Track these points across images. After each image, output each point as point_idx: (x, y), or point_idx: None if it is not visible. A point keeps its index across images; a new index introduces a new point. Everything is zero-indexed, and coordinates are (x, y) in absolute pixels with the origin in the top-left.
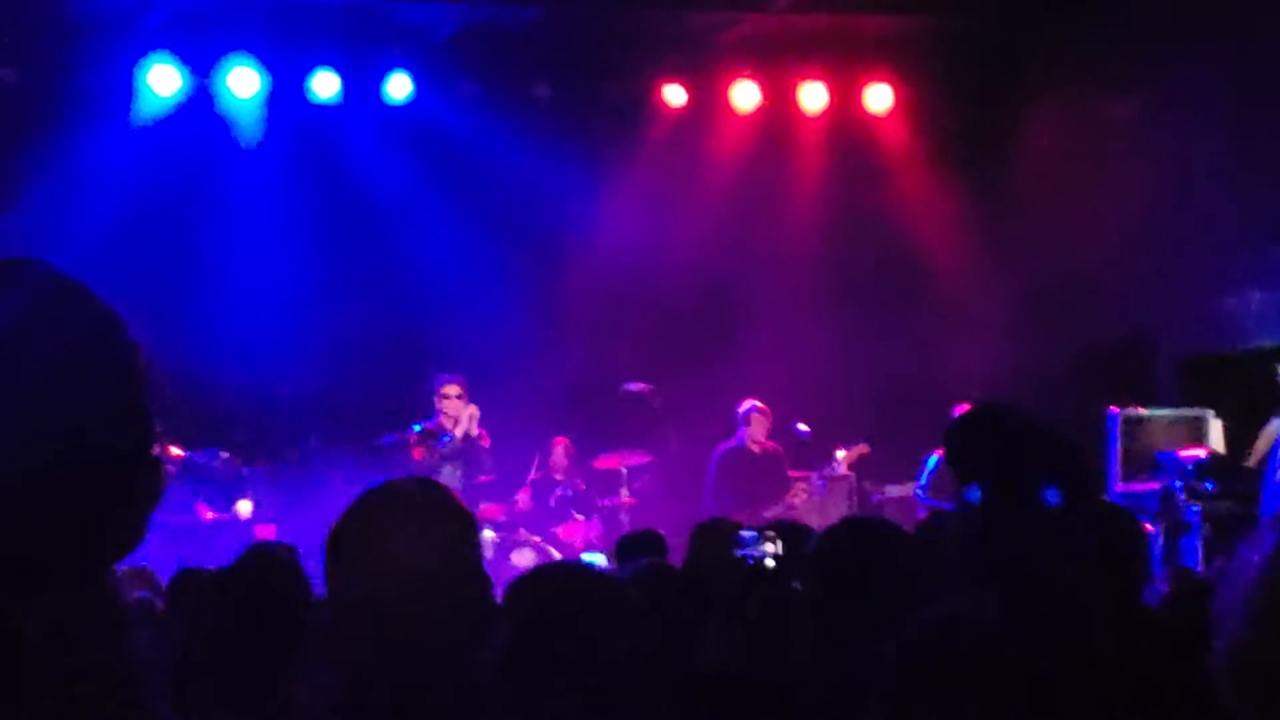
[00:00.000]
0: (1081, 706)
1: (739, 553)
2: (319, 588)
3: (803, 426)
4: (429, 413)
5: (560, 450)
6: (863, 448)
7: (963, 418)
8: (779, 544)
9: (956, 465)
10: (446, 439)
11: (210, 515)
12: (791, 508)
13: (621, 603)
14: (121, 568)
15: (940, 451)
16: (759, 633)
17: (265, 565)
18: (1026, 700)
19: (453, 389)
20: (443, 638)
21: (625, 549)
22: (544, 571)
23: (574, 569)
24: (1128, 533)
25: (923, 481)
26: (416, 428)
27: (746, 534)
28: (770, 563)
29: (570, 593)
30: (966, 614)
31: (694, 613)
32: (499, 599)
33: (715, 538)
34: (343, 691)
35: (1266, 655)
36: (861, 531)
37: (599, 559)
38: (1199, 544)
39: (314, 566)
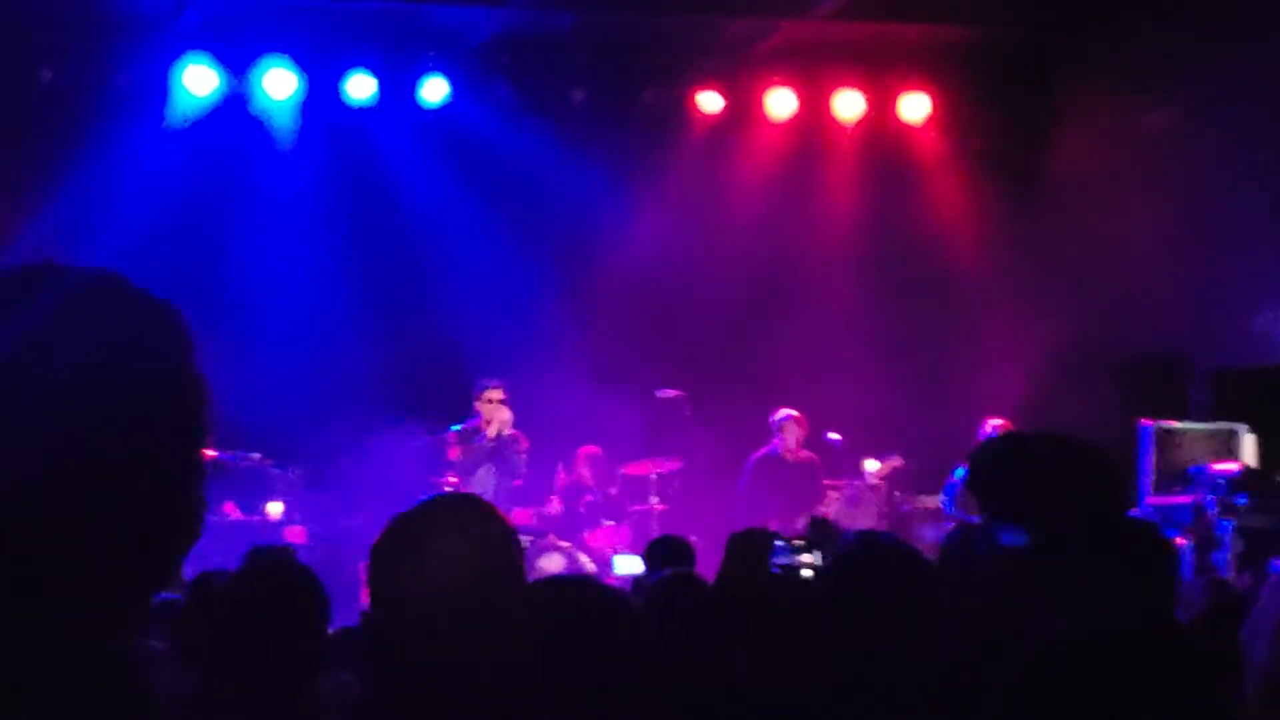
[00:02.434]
0: None
1: (775, 561)
2: (329, 591)
3: (834, 435)
4: (465, 415)
5: (586, 459)
6: (897, 461)
7: (981, 454)
8: (817, 555)
9: (979, 497)
10: (481, 439)
11: (240, 516)
12: (827, 516)
13: (625, 619)
14: None
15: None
16: (782, 645)
17: (269, 570)
18: None
19: (495, 393)
20: (484, 650)
21: (653, 555)
22: (548, 587)
23: (579, 584)
24: (1158, 551)
25: (949, 495)
26: (455, 428)
27: (782, 544)
28: (807, 573)
29: (575, 609)
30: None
31: (725, 623)
32: None
33: (751, 547)
34: (370, 694)
35: None
36: (873, 549)
37: (634, 560)
38: (1230, 558)
39: (347, 569)
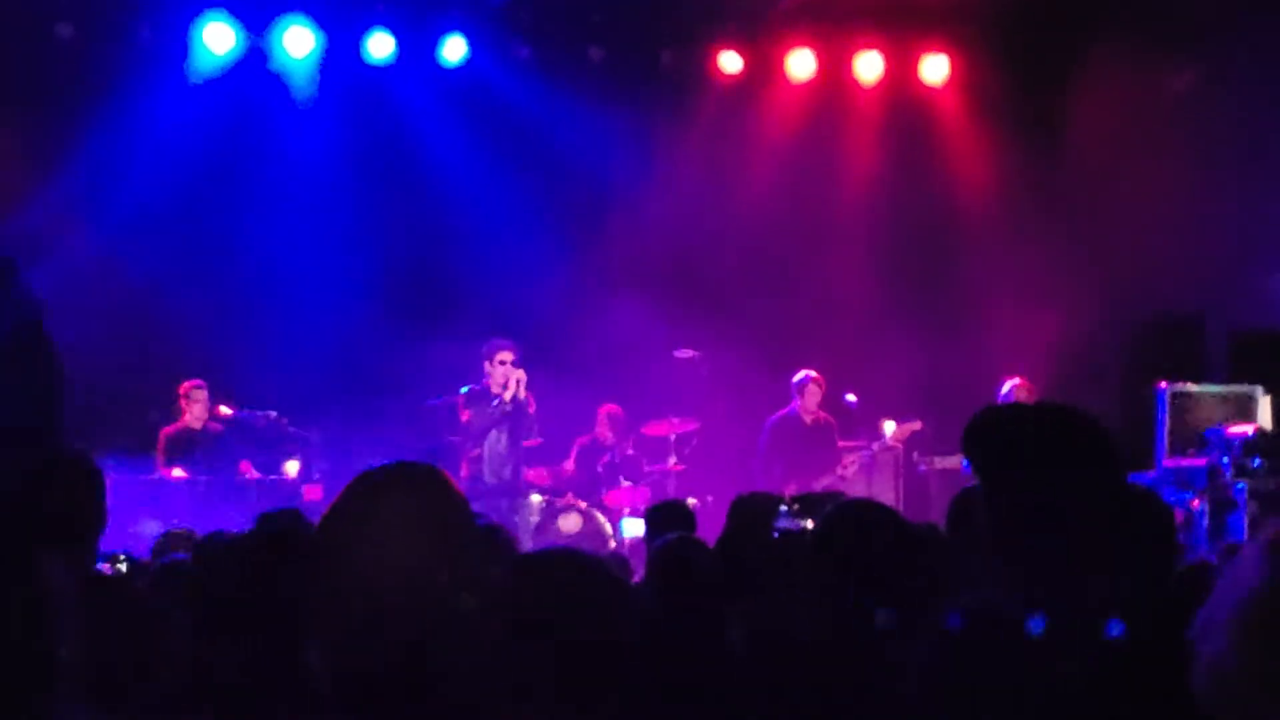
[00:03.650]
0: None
1: (777, 525)
2: None
3: (851, 397)
4: (477, 376)
5: (607, 417)
6: (916, 424)
7: (974, 425)
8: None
9: (973, 464)
10: (494, 402)
11: (256, 475)
12: (843, 478)
13: (613, 592)
14: (165, 530)
15: None
16: (781, 610)
17: (275, 534)
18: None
19: (507, 354)
20: (426, 624)
21: (655, 520)
22: (537, 560)
23: (568, 557)
24: (1156, 519)
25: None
26: (464, 390)
27: (785, 508)
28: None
29: (562, 582)
30: (994, 606)
31: (728, 587)
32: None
33: (753, 511)
34: (329, 667)
35: (1246, 676)
36: (857, 515)
37: (642, 524)
38: (1245, 521)
39: None
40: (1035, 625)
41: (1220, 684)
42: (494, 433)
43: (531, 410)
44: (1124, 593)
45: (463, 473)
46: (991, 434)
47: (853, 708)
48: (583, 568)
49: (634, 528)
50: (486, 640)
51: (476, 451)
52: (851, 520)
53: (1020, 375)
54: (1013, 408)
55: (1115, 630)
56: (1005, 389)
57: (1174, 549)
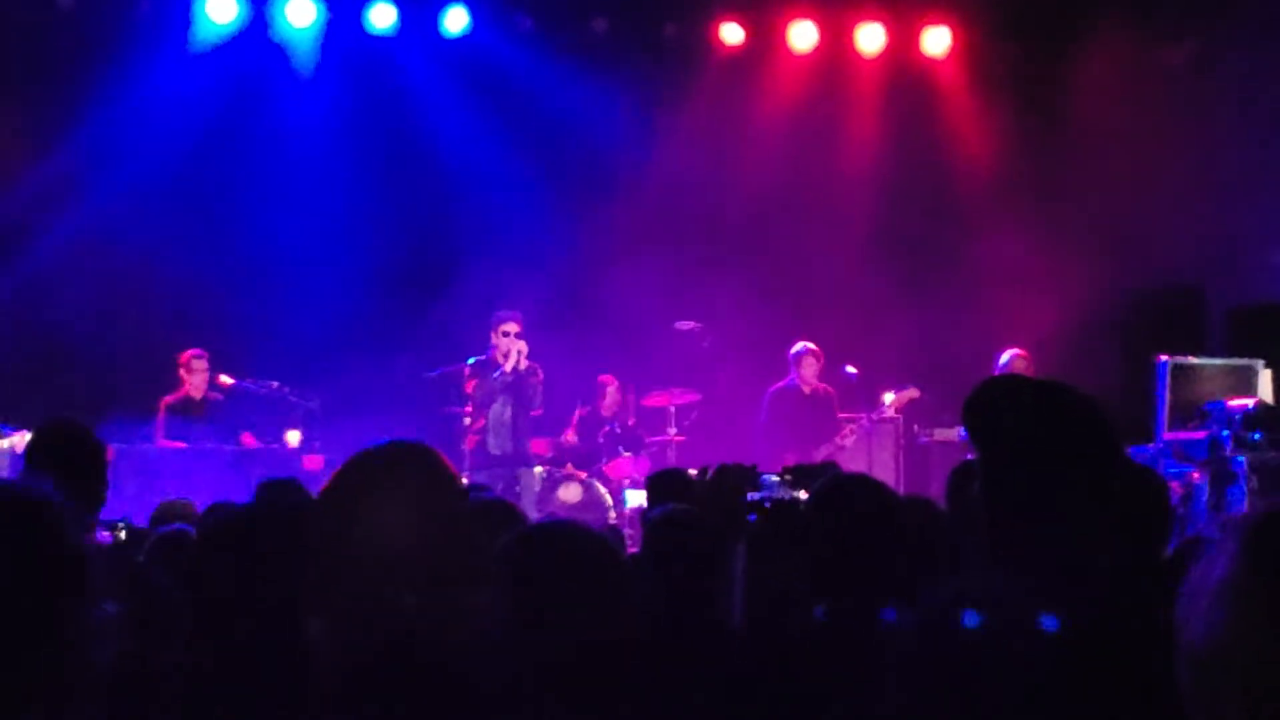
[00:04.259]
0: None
1: (756, 496)
2: None
3: (850, 368)
4: (480, 346)
5: (609, 389)
6: (913, 392)
7: (973, 398)
8: (801, 493)
9: (971, 437)
10: (499, 373)
11: (258, 444)
12: (842, 449)
13: (609, 564)
14: (165, 499)
15: None
16: (760, 581)
17: (276, 503)
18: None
19: (511, 325)
20: (422, 601)
21: (655, 489)
22: (533, 533)
23: (565, 530)
24: (1150, 493)
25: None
26: (471, 360)
27: (772, 478)
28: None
29: (560, 555)
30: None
31: (710, 554)
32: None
33: (735, 480)
34: (330, 643)
35: (1226, 665)
36: (850, 490)
37: (642, 495)
38: (1245, 494)
39: None
40: (1049, 624)
41: (1193, 671)
42: (498, 403)
43: (537, 380)
44: (1118, 567)
45: (467, 443)
46: (989, 407)
47: (843, 684)
48: (580, 544)
49: (637, 498)
50: (485, 618)
51: (481, 422)
52: (843, 495)
53: (1020, 347)
54: (1011, 380)
55: (1050, 626)
56: (1004, 359)
57: (1169, 524)
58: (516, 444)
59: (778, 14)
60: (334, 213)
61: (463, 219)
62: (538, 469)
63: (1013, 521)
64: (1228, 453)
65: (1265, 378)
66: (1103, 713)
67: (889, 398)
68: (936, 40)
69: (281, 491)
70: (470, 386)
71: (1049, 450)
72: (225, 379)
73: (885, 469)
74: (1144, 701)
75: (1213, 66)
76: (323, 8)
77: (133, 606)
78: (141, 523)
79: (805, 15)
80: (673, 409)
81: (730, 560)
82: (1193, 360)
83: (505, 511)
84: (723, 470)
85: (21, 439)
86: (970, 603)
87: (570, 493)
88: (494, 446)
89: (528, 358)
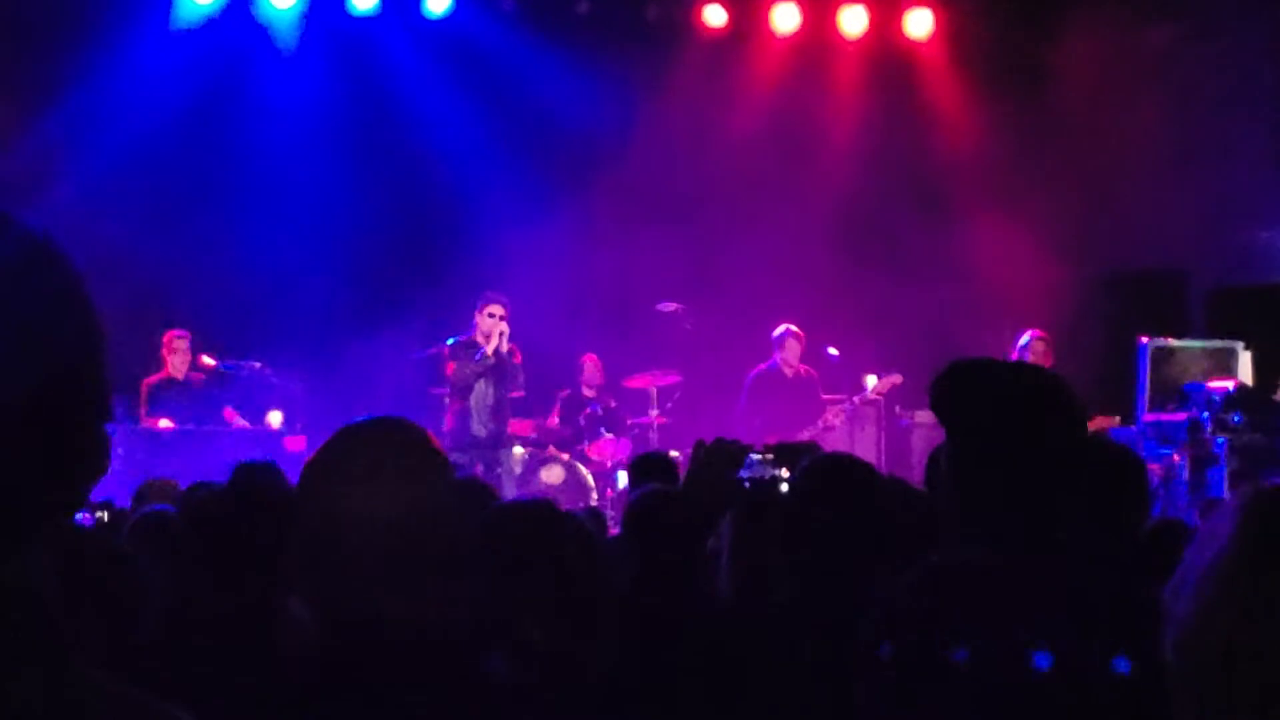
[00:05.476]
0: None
1: (741, 474)
2: None
3: (833, 350)
4: (463, 327)
5: (590, 367)
6: (896, 378)
7: (941, 378)
8: (784, 472)
9: (942, 420)
10: (480, 354)
11: (240, 425)
12: (826, 430)
13: (582, 543)
14: (146, 479)
15: None
16: (745, 560)
17: (252, 484)
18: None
19: (496, 308)
20: (407, 579)
21: (637, 471)
22: (509, 511)
23: (540, 508)
24: (1126, 471)
25: None
26: (450, 341)
27: (755, 456)
28: (784, 487)
29: (535, 532)
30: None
31: (691, 533)
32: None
33: (719, 457)
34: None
35: (1211, 647)
36: (833, 469)
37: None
38: (1225, 476)
39: None
40: (1041, 661)
41: (1181, 650)
42: (479, 385)
43: (517, 361)
44: (1091, 546)
45: (447, 425)
46: (955, 388)
47: (829, 662)
48: (549, 520)
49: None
50: (464, 590)
51: (462, 403)
52: (828, 474)
53: (1028, 329)
54: (976, 362)
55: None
56: (1023, 340)
57: (1146, 503)
58: (498, 425)
59: None
60: (317, 193)
61: (445, 199)
62: (519, 450)
63: (981, 500)
64: (1208, 435)
65: (1245, 360)
66: None
67: (871, 381)
68: (919, 22)
69: (258, 473)
70: (451, 368)
71: (1015, 429)
72: (207, 359)
73: (867, 450)
74: None
75: (1194, 48)
76: None
77: (114, 584)
78: (124, 503)
79: None
80: (654, 390)
81: (718, 536)
82: (1173, 342)
83: (480, 491)
84: (719, 443)
85: None
86: (1041, 644)
87: (553, 474)
88: (476, 428)
89: (509, 340)
